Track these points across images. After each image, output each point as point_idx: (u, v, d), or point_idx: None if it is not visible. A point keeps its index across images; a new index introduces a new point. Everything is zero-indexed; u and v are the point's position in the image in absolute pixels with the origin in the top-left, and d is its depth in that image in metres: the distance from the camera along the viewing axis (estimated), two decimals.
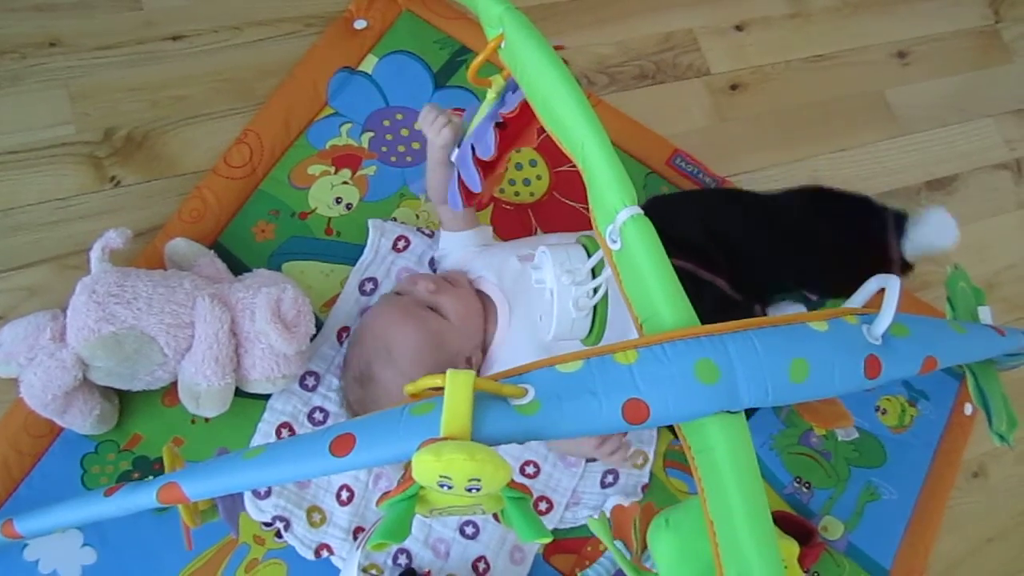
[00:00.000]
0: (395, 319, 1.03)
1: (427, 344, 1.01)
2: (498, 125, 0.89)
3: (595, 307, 0.80)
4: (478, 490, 0.57)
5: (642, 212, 0.67)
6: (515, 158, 1.26)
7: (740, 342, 0.64)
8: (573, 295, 0.76)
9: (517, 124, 0.92)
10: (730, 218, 1.11)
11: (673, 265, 1.01)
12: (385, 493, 0.61)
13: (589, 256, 0.78)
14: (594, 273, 0.77)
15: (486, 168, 0.93)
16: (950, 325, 0.84)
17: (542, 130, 0.93)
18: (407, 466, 0.58)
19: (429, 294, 1.04)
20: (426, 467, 0.56)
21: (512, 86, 0.88)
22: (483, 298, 1.08)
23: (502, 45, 0.81)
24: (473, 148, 0.91)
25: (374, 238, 1.16)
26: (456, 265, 1.13)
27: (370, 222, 1.16)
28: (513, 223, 1.21)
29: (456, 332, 1.03)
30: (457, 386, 0.60)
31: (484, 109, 0.92)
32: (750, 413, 1.13)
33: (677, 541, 0.75)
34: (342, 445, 0.63)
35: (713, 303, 1.03)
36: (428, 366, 1.00)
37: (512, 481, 0.59)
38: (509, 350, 1.04)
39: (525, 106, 0.84)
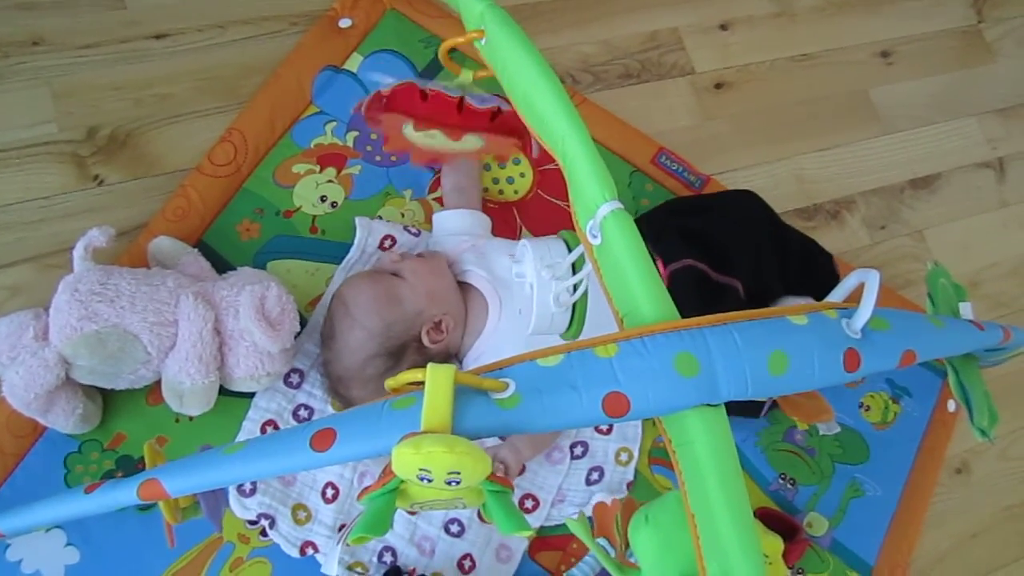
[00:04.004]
0: (352, 280, 1.07)
1: (381, 296, 1.03)
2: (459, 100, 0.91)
3: (575, 303, 0.80)
4: (458, 483, 0.57)
5: (622, 207, 0.68)
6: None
7: (720, 335, 0.65)
8: (553, 291, 0.76)
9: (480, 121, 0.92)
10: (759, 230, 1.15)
11: (691, 265, 1.04)
12: (366, 487, 0.61)
13: (570, 251, 0.78)
14: (575, 268, 0.78)
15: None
16: (929, 319, 0.85)
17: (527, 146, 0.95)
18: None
19: (392, 263, 1.07)
20: (406, 460, 0.56)
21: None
22: (473, 291, 1.09)
23: (483, 41, 0.81)
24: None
25: (361, 236, 1.16)
26: (448, 255, 1.13)
27: (357, 220, 1.16)
28: (497, 221, 1.21)
29: (412, 289, 1.04)
30: (437, 380, 0.60)
31: (457, 82, 0.93)
32: (752, 410, 1.16)
33: (658, 537, 0.75)
34: (323, 440, 0.63)
35: (733, 305, 1.05)
36: (385, 319, 1.02)
37: (492, 475, 0.59)
38: (497, 344, 1.04)
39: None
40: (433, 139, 0.98)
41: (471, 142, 0.98)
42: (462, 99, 0.91)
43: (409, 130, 0.97)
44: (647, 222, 1.14)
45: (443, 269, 1.09)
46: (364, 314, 1.02)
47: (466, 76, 0.89)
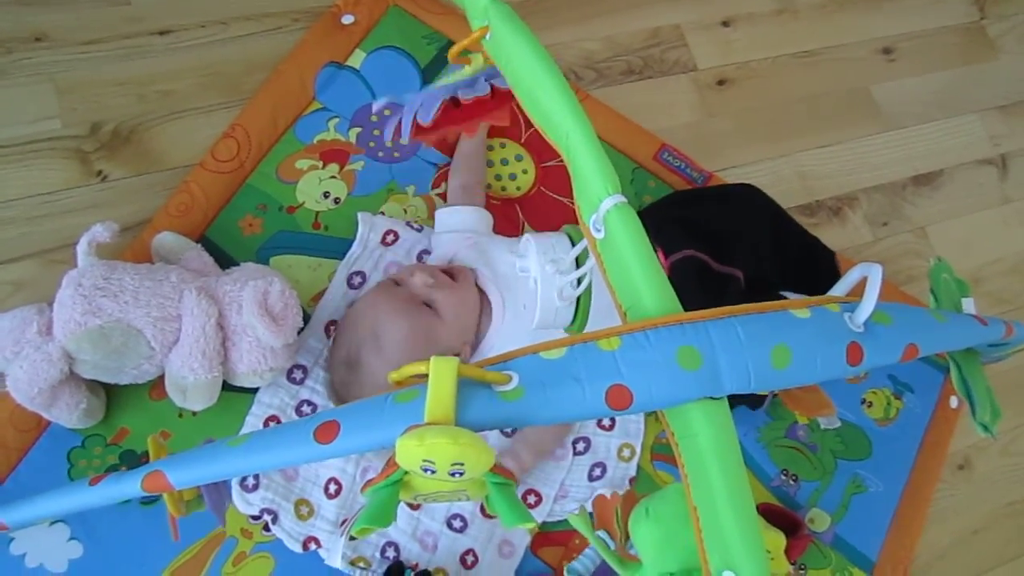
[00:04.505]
0: (387, 310, 1.03)
1: (416, 338, 1.01)
2: (453, 100, 0.89)
3: (579, 297, 0.80)
4: (461, 475, 0.57)
5: (625, 201, 0.68)
6: (501, 153, 1.26)
7: (722, 328, 0.65)
8: (557, 285, 0.77)
9: (487, 105, 0.91)
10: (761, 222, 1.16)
11: (691, 255, 1.05)
12: (369, 480, 0.61)
13: (574, 246, 0.78)
14: (578, 263, 0.78)
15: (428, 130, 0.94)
16: (931, 314, 0.85)
17: (528, 125, 0.93)
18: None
19: (426, 288, 1.03)
20: (409, 451, 0.56)
21: (490, 73, 0.89)
22: (479, 292, 1.08)
23: (487, 37, 0.81)
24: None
25: (363, 232, 1.16)
26: (449, 252, 1.13)
27: (359, 216, 1.16)
28: (500, 217, 1.21)
29: (447, 329, 1.03)
30: (441, 372, 0.60)
31: (452, 78, 0.92)
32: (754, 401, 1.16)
33: (658, 530, 0.75)
34: (326, 432, 0.63)
35: (734, 295, 1.05)
36: (415, 359, 0.99)
37: (496, 466, 0.59)
38: (501, 341, 1.04)
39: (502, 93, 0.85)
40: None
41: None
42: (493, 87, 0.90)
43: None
44: (648, 214, 1.15)
45: (474, 298, 1.06)
46: (397, 354, 1.00)
47: (477, 61, 0.89)
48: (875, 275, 0.73)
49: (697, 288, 1.02)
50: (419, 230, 1.18)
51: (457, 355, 1.01)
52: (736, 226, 1.12)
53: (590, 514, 1.07)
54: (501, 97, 0.90)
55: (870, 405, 1.27)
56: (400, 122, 0.93)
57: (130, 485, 0.74)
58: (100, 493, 0.78)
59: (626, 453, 1.15)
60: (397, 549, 1.06)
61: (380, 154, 1.22)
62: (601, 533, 0.87)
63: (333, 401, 1.08)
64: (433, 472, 0.57)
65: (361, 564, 1.04)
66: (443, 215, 1.17)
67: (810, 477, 1.22)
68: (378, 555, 1.05)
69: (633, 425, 1.17)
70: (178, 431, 1.05)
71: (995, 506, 1.32)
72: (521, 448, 1.08)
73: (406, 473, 0.59)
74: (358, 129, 1.23)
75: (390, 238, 1.17)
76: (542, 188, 1.26)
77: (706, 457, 0.64)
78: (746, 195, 1.19)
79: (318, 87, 1.23)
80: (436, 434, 0.55)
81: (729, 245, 1.09)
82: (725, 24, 1.48)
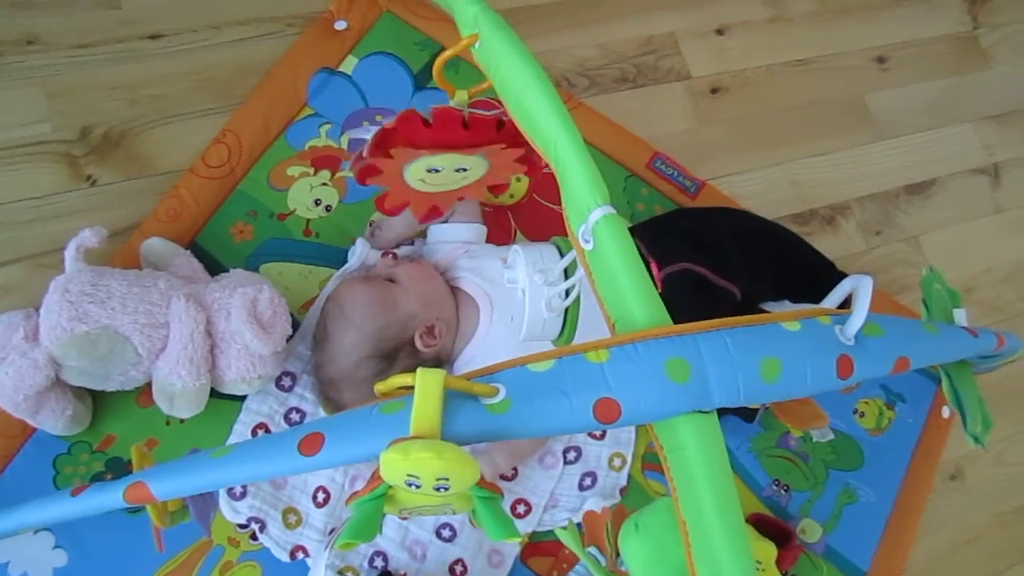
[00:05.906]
0: (349, 284, 1.07)
1: (376, 300, 1.03)
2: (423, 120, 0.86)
3: (567, 308, 0.79)
4: (446, 489, 0.57)
5: (615, 211, 0.67)
6: None
7: (712, 341, 0.64)
8: (545, 296, 0.76)
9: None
10: (763, 244, 1.17)
11: (687, 268, 1.04)
12: (354, 492, 0.61)
13: (563, 257, 0.78)
14: (567, 274, 0.77)
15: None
16: (923, 326, 0.84)
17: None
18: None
19: (386, 268, 1.08)
20: (394, 466, 0.55)
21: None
22: (465, 296, 1.08)
23: (476, 45, 0.81)
24: None
25: (362, 250, 1.14)
26: (442, 264, 1.13)
27: (360, 241, 1.15)
28: (492, 225, 1.20)
29: (407, 294, 1.04)
30: (427, 384, 0.59)
31: None
32: (746, 413, 1.16)
33: (648, 545, 0.74)
34: (311, 444, 0.62)
35: (728, 310, 1.05)
36: (379, 322, 1.02)
37: (481, 480, 0.59)
38: (489, 348, 1.04)
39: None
40: (435, 184, 0.95)
41: (476, 168, 0.93)
42: (465, 113, 0.88)
43: (410, 176, 0.93)
44: (647, 225, 1.14)
45: (433, 273, 1.10)
46: (359, 316, 1.02)
47: (461, 96, 0.88)
48: (865, 287, 0.72)
49: (689, 302, 1.02)
50: (411, 243, 1.18)
51: (431, 327, 1.03)
52: (737, 239, 1.12)
53: (578, 525, 1.06)
54: (508, 132, 0.86)
55: (862, 415, 1.27)
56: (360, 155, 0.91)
57: (112, 496, 0.73)
58: (82, 504, 0.77)
59: (617, 462, 1.15)
60: (385, 559, 1.05)
61: None
62: (592, 549, 0.86)
63: (322, 406, 1.08)
64: (418, 487, 0.56)
65: (349, 573, 1.03)
66: (436, 229, 1.16)
67: (802, 487, 1.21)
68: (366, 565, 1.05)
69: (624, 434, 1.16)
70: (165, 438, 1.04)
71: (987, 516, 1.31)
72: (496, 452, 1.07)
73: (391, 487, 0.58)
74: (350, 135, 1.22)
75: (390, 257, 1.16)
76: (535, 196, 1.25)
77: (694, 471, 0.63)
78: (749, 215, 1.19)
79: (310, 93, 1.23)
80: (420, 448, 0.55)
81: (730, 258, 1.08)
82: (719, 32, 1.48)
